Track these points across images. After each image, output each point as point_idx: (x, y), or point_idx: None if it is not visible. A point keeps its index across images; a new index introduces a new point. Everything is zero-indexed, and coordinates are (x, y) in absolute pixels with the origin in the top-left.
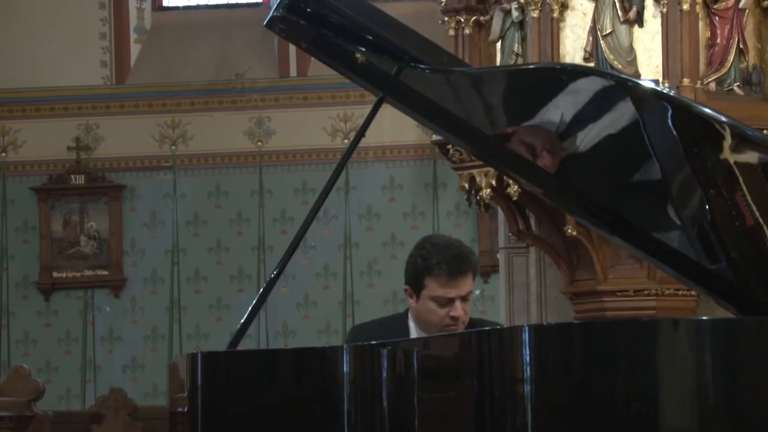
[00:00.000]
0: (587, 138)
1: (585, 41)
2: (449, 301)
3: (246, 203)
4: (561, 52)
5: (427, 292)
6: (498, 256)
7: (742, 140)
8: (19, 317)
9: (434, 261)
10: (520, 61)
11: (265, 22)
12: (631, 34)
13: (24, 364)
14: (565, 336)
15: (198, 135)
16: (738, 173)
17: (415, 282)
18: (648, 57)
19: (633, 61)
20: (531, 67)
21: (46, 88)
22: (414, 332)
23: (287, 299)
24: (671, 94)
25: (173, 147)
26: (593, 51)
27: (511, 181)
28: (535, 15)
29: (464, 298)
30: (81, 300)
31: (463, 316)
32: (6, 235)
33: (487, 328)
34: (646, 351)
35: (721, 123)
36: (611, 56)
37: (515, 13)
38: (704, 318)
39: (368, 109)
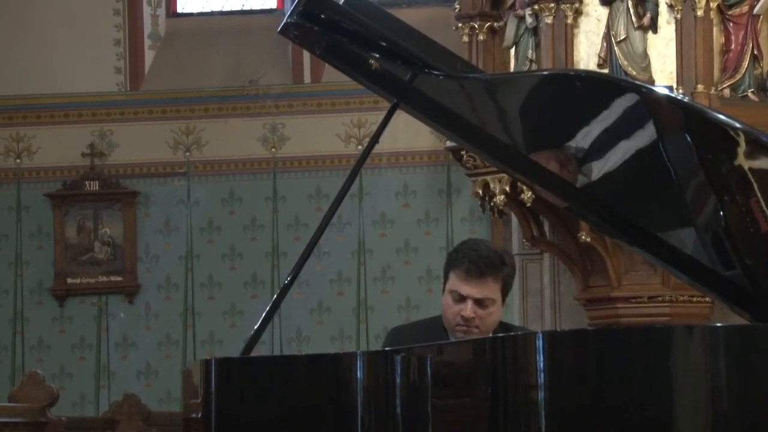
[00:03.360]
0: (600, 145)
1: (599, 47)
2: (462, 299)
3: (260, 209)
4: (575, 58)
5: (447, 285)
6: None
7: (757, 146)
8: (34, 323)
9: (459, 255)
10: (534, 67)
11: (279, 29)
12: (645, 40)
13: (38, 370)
14: (579, 343)
15: (212, 141)
16: (752, 179)
17: (443, 275)
18: (662, 63)
19: (647, 67)
20: (545, 73)
21: (61, 95)
22: (450, 334)
23: (301, 305)
24: (685, 100)
25: (187, 153)
26: (607, 57)
27: (525, 188)
28: (549, 21)
29: (480, 303)
30: (95, 306)
31: (474, 320)
32: (20, 241)
33: (501, 334)
34: (660, 358)
35: (735, 129)
36: (625, 62)
37: (529, 20)
38: (718, 325)
39: (382, 115)
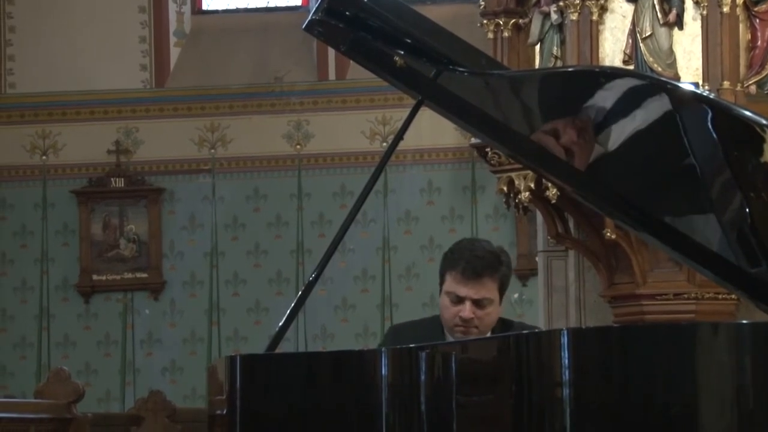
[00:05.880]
0: (627, 141)
1: (624, 44)
2: (460, 300)
3: (284, 206)
4: (600, 54)
5: (444, 286)
6: (537, 259)
7: None
8: (59, 320)
9: (455, 256)
10: (559, 64)
11: (303, 26)
12: (670, 36)
13: (64, 367)
14: (603, 340)
15: (237, 138)
16: None
17: (440, 275)
18: (688, 60)
19: (672, 64)
20: (570, 70)
21: (86, 92)
22: (448, 334)
23: (325, 302)
24: (711, 96)
25: (212, 150)
26: (632, 54)
27: (549, 184)
28: (574, 18)
29: (478, 303)
30: (120, 303)
31: (473, 320)
32: (46, 238)
33: (525, 331)
34: (686, 355)
35: (761, 126)
36: (651, 59)
37: (554, 16)
38: (744, 322)
39: (406, 112)
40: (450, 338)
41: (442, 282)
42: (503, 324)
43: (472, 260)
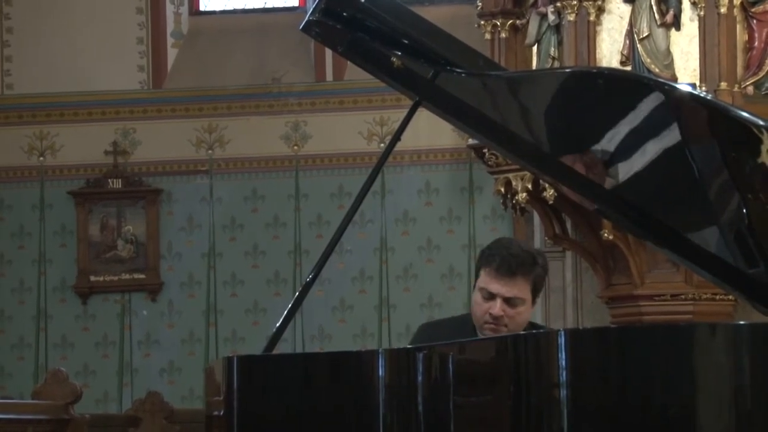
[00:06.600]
0: (623, 142)
1: (622, 45)
2: (491, 297)
3: (282, 207)
4: (597, 55)
5: (478, 282)
6: None
7: None
8: (57, 321)
9: (491, 253)
10: (556, 64)
11: (301, 27)
12: (668, 37)
13: (62, 368)
14: (601, 341)
15: (234, 139)
16: None
17: (475, 272)
18: (685, 60)
19: (670, 65)
20: (567, 70)
21: (84, 93)
22: (479, 332)
23: (323, 303)
24: (708, 97)
25: (210, 151)
26: (630, 54)
27: (547, 185)
28: (571, 18)
29: (510, 302)
30: (118, 304)
31: (503, 318)
32: (44, 239)
33: (523, 332)
34: (683, 356)
35: (758, 127)
36: (648, 60)
37: (552, 17)
38: (741, 323)
39: (404, 113)
40: (481, 336)
41: (477, 277)
42: (533, 328)
43: (507, 258)
